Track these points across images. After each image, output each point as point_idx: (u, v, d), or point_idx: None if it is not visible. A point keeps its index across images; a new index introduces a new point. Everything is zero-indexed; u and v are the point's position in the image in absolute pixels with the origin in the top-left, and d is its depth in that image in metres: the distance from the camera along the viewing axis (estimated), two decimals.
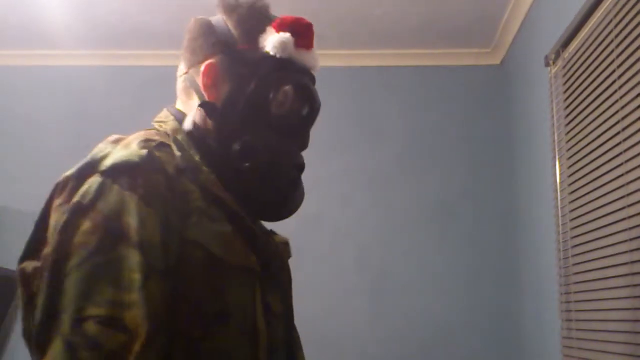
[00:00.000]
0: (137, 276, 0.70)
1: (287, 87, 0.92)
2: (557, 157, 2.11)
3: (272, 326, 0.85)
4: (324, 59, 1.20)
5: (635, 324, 1.48)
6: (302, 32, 0.93)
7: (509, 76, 2.96)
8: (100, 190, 0.74)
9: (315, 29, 0.97)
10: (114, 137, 0.84)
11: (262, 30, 0.92)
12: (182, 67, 0.99)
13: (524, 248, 2.69)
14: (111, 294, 0.68)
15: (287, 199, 0.94)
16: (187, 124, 0.90)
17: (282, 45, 0.91)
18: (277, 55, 0.90)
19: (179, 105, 0.98)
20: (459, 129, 3.07)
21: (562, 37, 2.01)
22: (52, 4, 2.75)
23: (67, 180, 0.78)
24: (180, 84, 0.99)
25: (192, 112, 0.91)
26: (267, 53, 0.91)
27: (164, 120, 0.95)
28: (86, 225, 0.72)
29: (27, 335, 0.77)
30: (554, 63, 2.15)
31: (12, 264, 3.52)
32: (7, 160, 3.20)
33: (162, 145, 0.82)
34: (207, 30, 0.95)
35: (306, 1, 2.67)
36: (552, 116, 2.15)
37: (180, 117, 0.93)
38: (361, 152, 3.07)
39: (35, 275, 0.75)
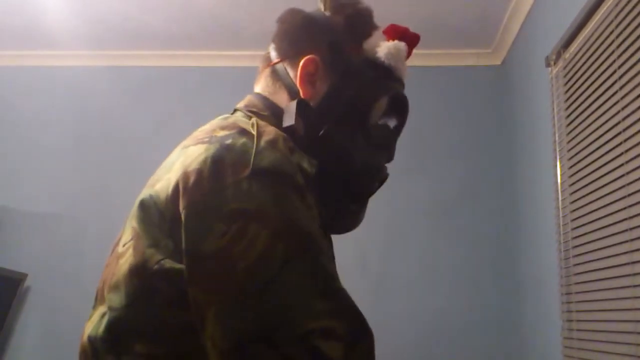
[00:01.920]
0: (334, 282, 0.67)
1: (387, 97, 0.88)
2: (558, 157, 2.10)
3: None
4: None
5: (637, 325, 1.48)
6: (411, 42, 0.91)
7: (510, 77, 2.96)
8: (265, 195, 0.66)
9: None
10: (233, 122, 0.76)
11: (368, 35, 0.89)
12: (273, 55, 0.92)
13: (525, 248, 2.69)
14: (322, 304, 0.63)
15: (362, 211, 0.92)
16: (289, 122, 0.83)
17: (398, 53, 0.88)
18: (386, 63, 0.87)
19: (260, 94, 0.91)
20: (459, 129, 3.07)
21: (563, 38, 2.01)
22: (53, 5, 2.75)
23: (199, 177, 0.68)
24: (267, 74, 0.91)
25: (291, 109, 0.84)
26: (372, 58, 0.87)
27: (263, 112, 0.86)
28: (266, 232, 0.65)
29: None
30: (554, 64, 2.15)
31: (12, 264, 3.52)
32: (8, 160, 3.20)
33: (295, 148, 0.76)
34: (309, 24, 0.90)
35: (305, 1, 2.66)
36: (553, 117, 2.15)
37: (277, 111, 0.86)
38: None
39: (194, 280, 0.66)
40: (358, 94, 0.85)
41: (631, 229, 1.51)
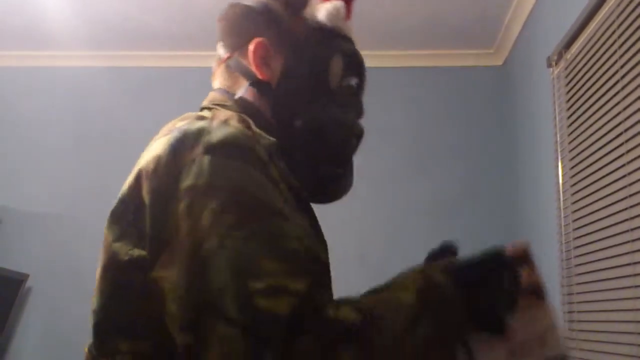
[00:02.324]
0: (287, 242, 0.66)
1: (341, 56, 0.90)
2: (559, 158, 2.10)
3: None
4: None
5: (638, 325, 1.48)
6: (347, 0, 0.93)
7: (511, 77, 2.96)
8: (215, 168, 0.67)
9: None
10: (192, 114, 0.78)
11: (305, 4, 0.91)
12: (222, 53, 0.94)
13: None
14: (272, 264, 0.63)
15: (349, 175, 0.93)
16: (240, 93, 0.87)
17: (336, 11, 0.89)
18: (329, 24, 0.89)
19: (221, 89, 0.94)
20: (461, 129, 3.07)
21: (565, 39, 2.01)
22: (53, 5, 2.74)
23: (158, 162, 0.71)
24: (222, 71, 0.94)
25: (240, 90, 0.88)
26: (314, 23, 0.89)
27: (225, 102, 0.89)
28: (213, 204, 0.65)
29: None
30: (556, 64, 2.15)
31: (12, 264, 3.51)
32: (8, 160, 3.20)
33: (251, 127, 0.76)
34: (250, 12, 0.92)
35: None
36: (555, 117, 2.15)
37: (240, 101, 0.89)
38: (364, 151, 3.06)
39: (153, 264, 0.68)
40: (311, 61, 0.88)
41: (633, 229, 1.51)
